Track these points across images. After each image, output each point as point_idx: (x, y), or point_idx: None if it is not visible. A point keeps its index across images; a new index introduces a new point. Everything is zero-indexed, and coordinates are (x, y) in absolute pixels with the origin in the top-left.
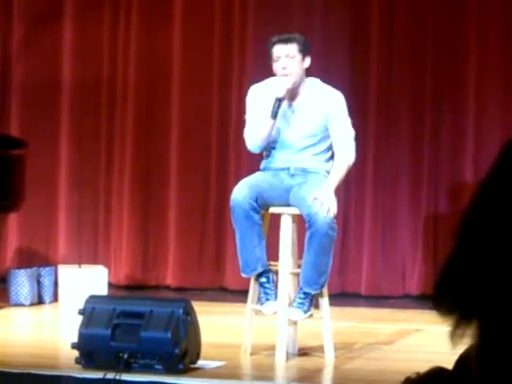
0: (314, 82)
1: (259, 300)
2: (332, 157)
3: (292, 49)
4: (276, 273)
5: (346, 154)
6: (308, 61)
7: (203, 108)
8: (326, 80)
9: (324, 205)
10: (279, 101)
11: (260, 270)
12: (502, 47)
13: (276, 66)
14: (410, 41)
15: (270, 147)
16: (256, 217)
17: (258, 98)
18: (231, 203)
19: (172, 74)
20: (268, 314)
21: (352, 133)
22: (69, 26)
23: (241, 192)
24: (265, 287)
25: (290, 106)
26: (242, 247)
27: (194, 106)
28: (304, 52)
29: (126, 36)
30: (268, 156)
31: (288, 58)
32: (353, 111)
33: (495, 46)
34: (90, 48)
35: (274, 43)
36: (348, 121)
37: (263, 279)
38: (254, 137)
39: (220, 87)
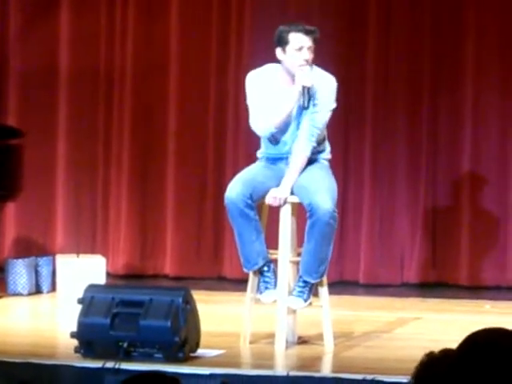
0: (313, 70)
1: (258, 289)
2: (327, 144)
3: (312, 42)
4: (275, 261)
5: (306, 144)
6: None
7: (201, 98)
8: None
9: (276, 201)
10: (308, 89)
11: (261, 263)
12: (499, 40)
13: (297, 55)
14: (408, 34)
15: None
16: (251, 213)
17: (258, 83)
18: (226, 202)
19: (169, 63)
20: (267, 303)
21: (323, 120)
22: (66, 15)
23: (234, 190)
24: (264, 276)
25: (291, 88)
26: (241, 245)
27: (191, 96)
28: (315, 44)
29: (124, 25)
30: (265, 145)
31: (309, 50)
32: (350, 102)
33: (493, 38)
34: (88, 37)
35: (298, 31)
36: (328, 107)
37: (264, 268)
38: (266, 123)
39: (217, 77)
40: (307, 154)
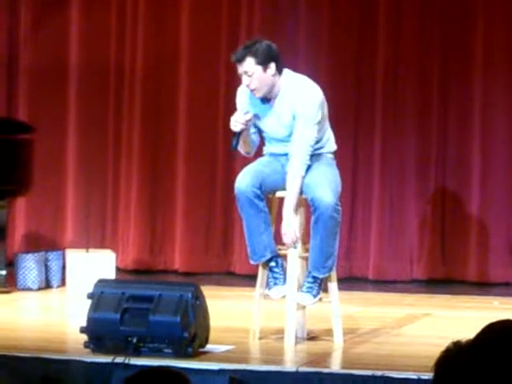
0: (288, 79)
1: (267, 284)
2: (329, 137)
3: (248, 66)
4: (284, 257)
5: (297, 165)
6: (272, 67)
7: (210, 92)
8: (333, 67)
9: (288, 237)
10: (238, 134)
11: (268, 256)
12: (508, 35)
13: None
14: (417, 29)
15: (265, 139)
16: (261, 204)
17: (242, 99)
18: (235, 192)
19: (179, 57)
20: (275, 299)
21: (312, 135)
22: (76, 11)
23: (244, 181)
24: (273, 271)
25: (269, 107)
26: (249, 235)
27: (201, 90)
28: (264, 62)
29: (134, 20)
30: (266, 144)
31: (247, 75)
32: (360, 96)
33: (502, 32)
34: (98, 32)
35: (233, 61)
36: (313, 121)
37: (272, 263)
38: (241, 150)
39: (227, 71)
40: (303, 174)
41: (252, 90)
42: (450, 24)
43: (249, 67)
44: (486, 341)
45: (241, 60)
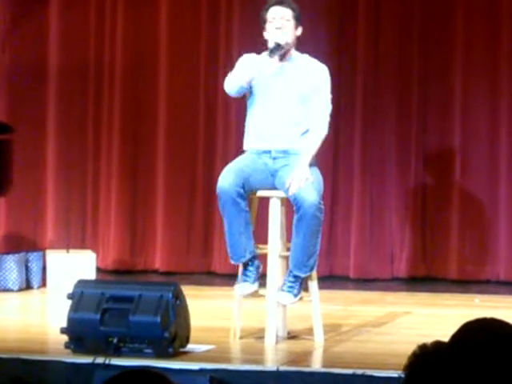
0: (302, 55)
1: (237, 280)
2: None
3: (288, 12)
4: (265, 256)
5: (321, 129)
6: (300, 30)
7: (190, 92)
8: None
9: (297, 183)
10: (278, 45)
11: (248, 257)
12: (488, 28)
13: (269, 27)
14: (398, 20)
15: (251, 122)
16: (243, 203)
17: (248, 58)
18: (217, 191)
19: (158, 57)
20: (239, 295)
21: (329, 108)
22: (55, 10)
23: (227, 179)
24: (247, 269)
25: (276, 69)
26: (229, 235)
27: (180, 90)
28: (298, 20)
29: (113, 20)
30: (249, 134)
31: (283, 19)
32: (340, 94)
33: (482, 26)
34: (77, 32)
35: (271, 5)
36: (329, 96)
37: (249, 263)
38: (235, 76)
39: (207, 72)
40: (325, 131)
41: (280, 34)
42: (429, 21)
43: (287, 13)
44: (462, 341)
45: (284, 4)
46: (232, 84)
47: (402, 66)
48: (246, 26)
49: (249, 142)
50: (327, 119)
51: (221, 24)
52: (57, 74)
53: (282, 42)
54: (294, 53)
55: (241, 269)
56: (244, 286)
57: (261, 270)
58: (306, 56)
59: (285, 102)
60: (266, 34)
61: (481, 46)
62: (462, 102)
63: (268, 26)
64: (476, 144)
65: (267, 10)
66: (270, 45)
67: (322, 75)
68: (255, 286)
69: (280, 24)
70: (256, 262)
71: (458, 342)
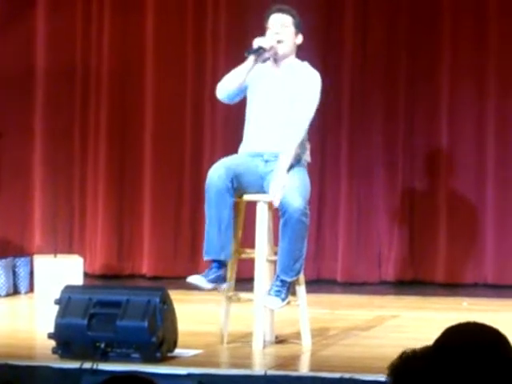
0: (301, 63)
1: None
2: (307, 147)
3: (287, 19)
4: (252, 261)
5: (296, 135)
6: (300, 38)
7: (177, 96)
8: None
9: (278, 193)
10: (260, 48)
11: (222, 258)
12: (475, 29)
13: (268, 33)
14: (385, 21)
15: (246, 125)
16: (229, 200)
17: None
18: (207, 181)
19: (145, 62)
20: (188, 281)
21: (310, 115)
22: (42, 15)
23: (217, 171)
24: (211, 268)
25: (273, 73)
26: (209, 230)
27: (167, 95)
28: (297, 27)
29: (100, 25)
30: (244, 137)
31: (283, 26)
32: (326, 98)
33: (469, 28)
34: (64, 37)
35: (271, 13)
36: (313, 103)
37: (216, 264)
38: (225, 81)
39: (194, 77)
40: (300, 137)
41: (278, 42)
42: (417, 22)
43: (287, 20)
44: (445, 345)
45: (284, 11)
46: (221, 89)
47: (390, 67)
48: (233, 30)
49: (243, 145)
50: (305, 125)
51: (207, 29)
52: (44, 79)
53: (265, 45)
54: (292, 60)
55: (208, 265)
56: (198, 279)
57: (223, 280)
58: (305, 63)
59: (278, 107)
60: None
61: (468, 47)
62: (450, 103)
63: (267, 32)
64: (463, 145)
65: (268, 17)
66: (253, 46)
67: (311, 81)
68: (208, 286)
69: (278, 30)
70: (222, 269)
71: (440, 346)
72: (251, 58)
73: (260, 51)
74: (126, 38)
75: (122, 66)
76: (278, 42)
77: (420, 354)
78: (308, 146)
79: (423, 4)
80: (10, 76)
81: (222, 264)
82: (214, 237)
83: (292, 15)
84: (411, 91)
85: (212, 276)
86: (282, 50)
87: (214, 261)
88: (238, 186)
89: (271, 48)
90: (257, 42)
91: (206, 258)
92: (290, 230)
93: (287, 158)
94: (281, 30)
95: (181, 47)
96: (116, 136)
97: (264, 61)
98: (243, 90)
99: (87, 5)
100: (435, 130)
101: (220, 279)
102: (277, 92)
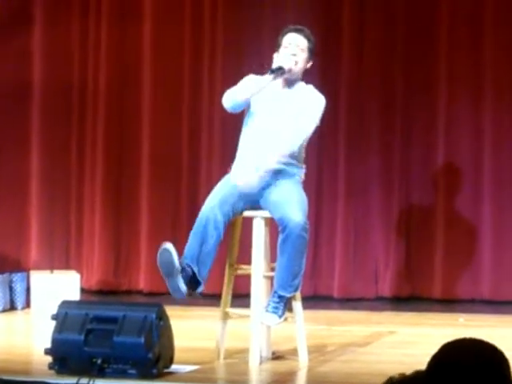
0: (306, 86)
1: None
2: (303, 161)
3: (304, 42)
4: (248, 277)
5: (290, 142)
6: (310, 63)
7: (174, 110)
8: None
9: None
10: (280, 68)
11: (195, 268)
12: (471, 40)
13: (282, 51)
14: (381, 36)
15: (243, 139)
16: (218, 233)
17: (253, 77)
18: (200, 215)
19: (142, 76)
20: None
21: (309, 131)
22: (39, 29)
23: (212, 210)
24: (183, 272)
25: (280, 92)
26: (192, 241)
27: (164, 110)
28: (311, 52)
29: (96, 39)
30: (239, 153)
31: (298, 48)
32: (324, 114)
33: (465, 39)
34: (61, 51)
35: (289, 31)
36: (314, 121)
37: (185, 273)
38: (234, 91)
39: (191, 90)
40: (292, 150)
41: (288, 59)
42: (413, 36)
43: (303, 43)
44: (442, 361)
45: (302, 32)
46: (229, 97)
47: (386, 81)
48: (230, 42)
49: (237, 161)
50: (300, 139)
51: (204, 42)
52: (40, 94)
53: (286, 67)
54: (298, 82)
55: (185, 270)
56: (180, 282)
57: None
58: (310, 86)
59: (278, 125)
60: (275, 56)
61: (464, 60)
62: (446, 119)
63: (282, 50)
64: (460, 161)
65: (285, 34)
66: (274, 65)
67: (316, 102)
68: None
69: (294, 51)
70: (201, 288)
71: (437, 362)
72: (270, 77)
73: (280, 71)
74: (123, 53)
75: (119, 80)
76: (295, 63)
77: (408, 379)
78: (304, 167)
79: (419, 17)
80: (7, 90)
81: (193, 275)
82: (196, 247)
83: (309, 39)
84: (407, 106)
85: (176, 279)
86: (295, 71)
87: (188, 269)
88: (236, 212)
89: (289, 70)
90: (278, 62)
91: (183, 261)
92: (291, 245)
93: (276, 157)
94: (297, 51)
95: (178, 63)
96: (113, 151)
97: (275, 78)
98: (248, 103)
99: (84, 20)
100: (432, 147)
101: (193, 282)
102: (279, 113)
